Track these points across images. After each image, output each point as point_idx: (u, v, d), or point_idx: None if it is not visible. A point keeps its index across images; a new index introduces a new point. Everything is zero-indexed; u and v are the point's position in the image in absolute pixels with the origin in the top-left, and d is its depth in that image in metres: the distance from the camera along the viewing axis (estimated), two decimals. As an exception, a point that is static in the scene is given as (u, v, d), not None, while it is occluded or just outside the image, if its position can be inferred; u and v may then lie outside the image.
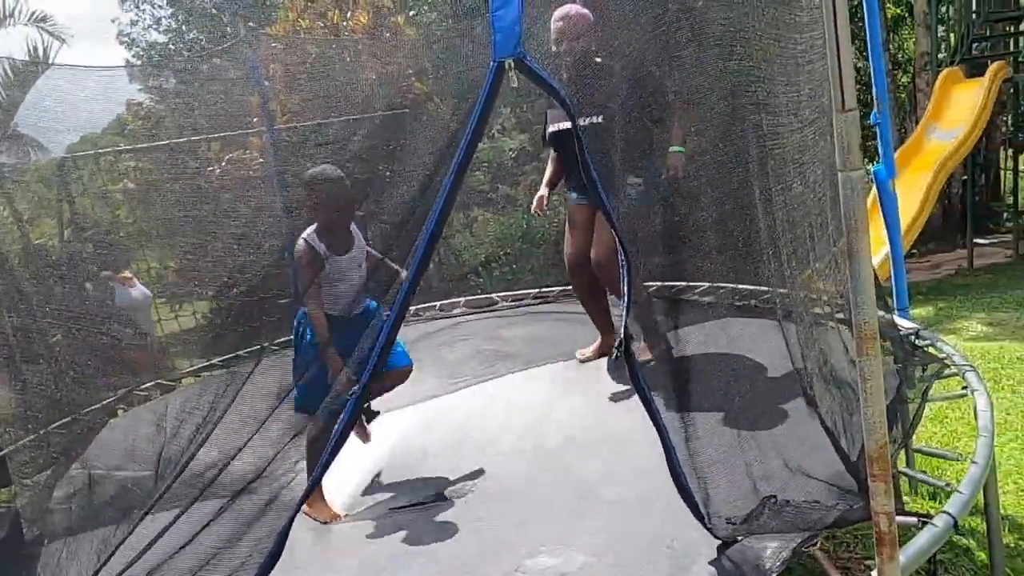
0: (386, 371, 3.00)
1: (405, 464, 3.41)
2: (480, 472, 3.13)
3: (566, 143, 3.63)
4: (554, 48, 3.29)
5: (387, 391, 3.24)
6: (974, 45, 10.90)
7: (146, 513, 1.95)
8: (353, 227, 3.18)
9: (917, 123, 10.20)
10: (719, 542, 2.05)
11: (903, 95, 13.96)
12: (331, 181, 3.03)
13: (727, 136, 2.28)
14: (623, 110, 2.49)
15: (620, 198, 2.14)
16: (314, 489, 1.65)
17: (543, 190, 3.99)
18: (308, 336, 3.04)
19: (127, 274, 5.94)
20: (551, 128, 3.80)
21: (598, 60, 3.19)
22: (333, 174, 3.06)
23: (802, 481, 2.01)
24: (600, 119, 2.86)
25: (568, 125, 3.50)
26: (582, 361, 4.00)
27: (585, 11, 3.44)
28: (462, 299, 5.55)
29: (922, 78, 11.51)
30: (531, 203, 4.06)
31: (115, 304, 5.47)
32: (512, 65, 1.76)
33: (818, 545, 1.84)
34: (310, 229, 3.16)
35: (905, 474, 2.32)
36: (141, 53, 17.78)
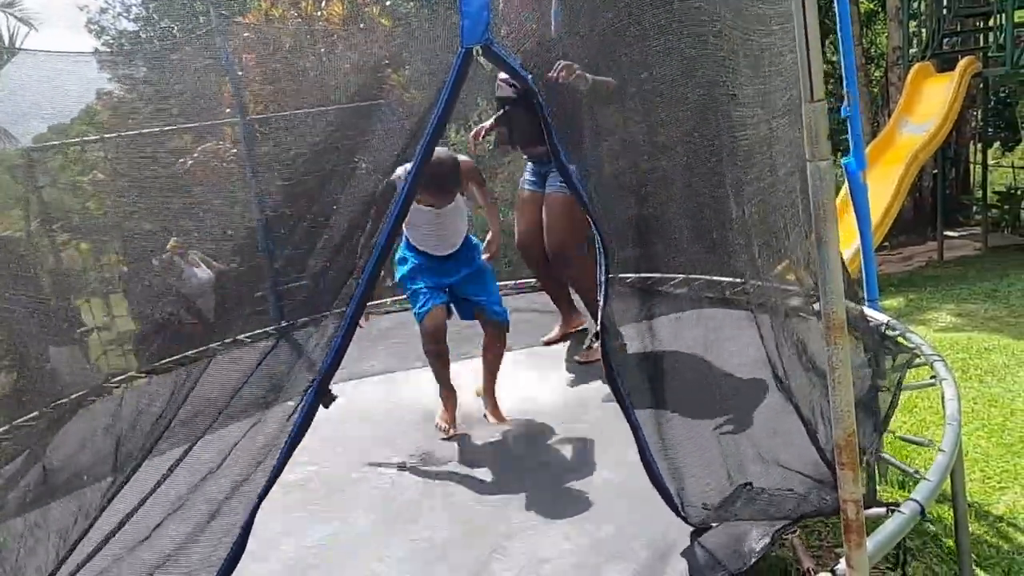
0: (485, 319, 3.40)
1: (383, 440, 3.39)
2: (457, 455, 3.14)
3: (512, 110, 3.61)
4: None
5: (498, 350, 3.45)
6: (945, 40, 11.06)
7: (104, 507, 1.92)
8: (459, 201, 3.42)
9: (889, 117, 10.34)
10: (695, 529, 2.06)
11: (876, 89, 14.13)
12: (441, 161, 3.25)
13: (699, 127, 2.29)
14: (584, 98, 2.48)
15: (588, 173, 2.14)
16: (276, 479, 1.63)
17: (487, 123, 3.93)
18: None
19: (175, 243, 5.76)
20: (499, 94, 3.77)
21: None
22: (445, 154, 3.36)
23: (777, 470, 2.02)
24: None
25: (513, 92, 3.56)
26: (546, 343, 4.00)
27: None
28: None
29: (894, 72, 11.66)
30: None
31: (185, 283, 5.35)
32: (479, 52, 1.75)
33: (796, 533, 1.86)
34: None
35: (883, 459, 2.35)
36: (111, 41, 17.45)
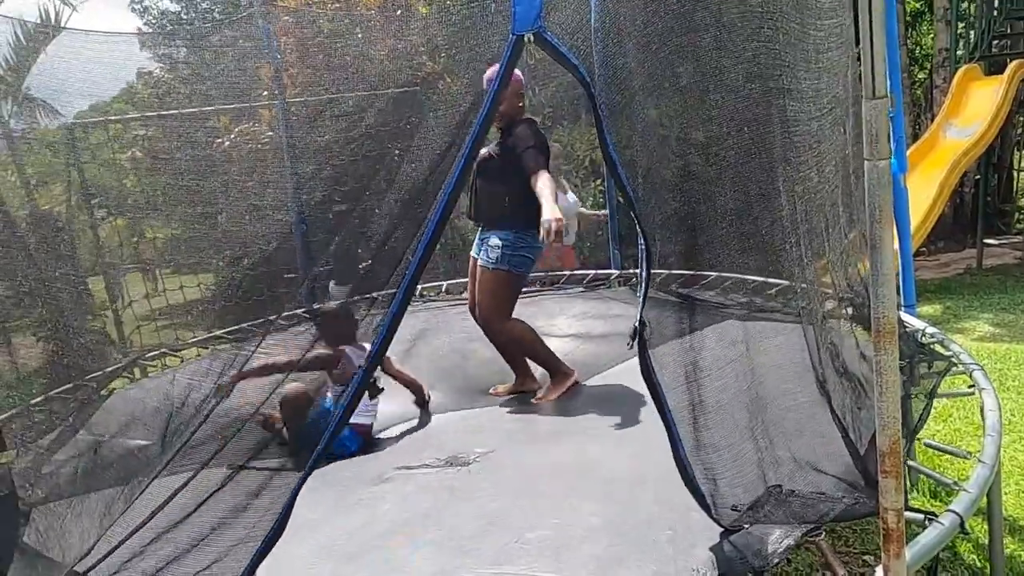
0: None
1: (410, 432, 3.46)
2: (483, 446, 3.15)
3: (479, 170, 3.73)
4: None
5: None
6: (994, 42, 10.76)
7: (150, 481, 1.96)
8: None
9: (932, 120, 10.10)
10: (721, 528, 2.04)
11: (919, 91, 13.82)
12: None
13: (752, 122, 2.24)
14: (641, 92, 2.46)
15: (638, 181, 2.12)
16: (318, 463, 1.64)
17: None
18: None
19: None
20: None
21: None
22: None
23: (809, 473, 2.00)
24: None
25: (486, 151, 3.69)
26: (492, 394, 3.92)
27: (518, 73, 3.66)
28: (468, 280, 5.53)
29: (939, 74, 11.38)
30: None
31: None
32: (531, 39, 1.73)
33: (822, 536, 1.83)
34: None
35: (914, 468, 2.31)
36: (153, 21, 17.68)
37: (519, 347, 3.79)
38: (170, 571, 1.85)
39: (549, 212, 3.27)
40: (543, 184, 3.46)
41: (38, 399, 3.28)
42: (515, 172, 3.59)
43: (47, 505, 2.25)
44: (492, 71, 3.56)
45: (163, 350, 4.47)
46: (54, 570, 1.99)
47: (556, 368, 3.76)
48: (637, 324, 1.96)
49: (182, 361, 4.36)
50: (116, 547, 1.83)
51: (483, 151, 3.75)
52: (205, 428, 2.13)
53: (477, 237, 3.95)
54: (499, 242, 3.65)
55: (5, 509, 2.22)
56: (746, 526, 1.96)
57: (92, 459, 2.45)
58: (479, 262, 3.79)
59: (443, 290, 5.47)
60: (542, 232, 3.26)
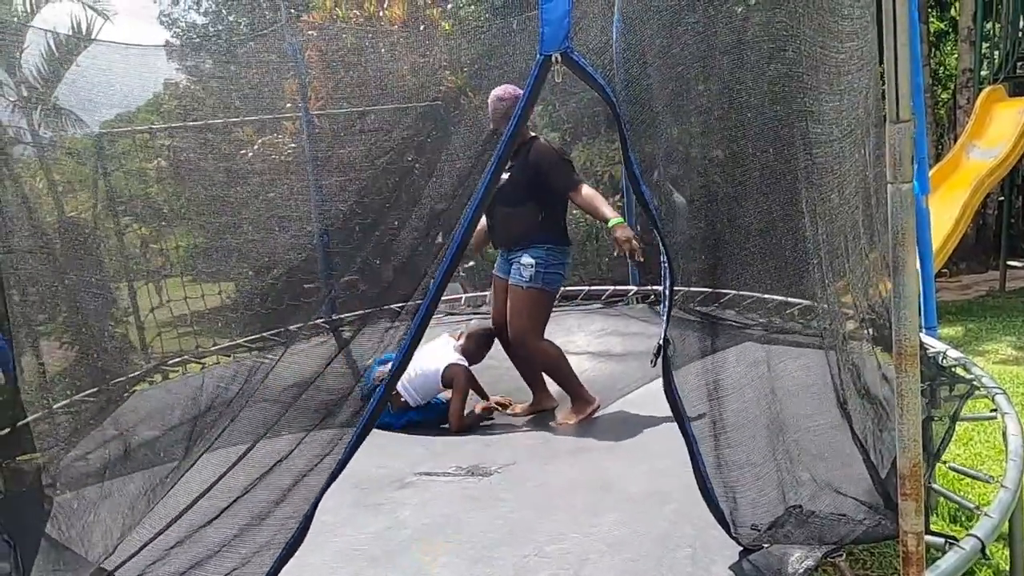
0: None
1: (431, 441, 3.51)
2: (505, 459, 3.17)
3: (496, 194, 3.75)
4: (492, 126, 3.61)
5: None
6: (1019, 64, 10.68)
7: (174, 484, 1.99)
8: None
9: (955, 140, 10.03)
10: (740, 547, 2.04)
11: (942, 111, 13.73)
12: None
13: (774, 143, 2.26)
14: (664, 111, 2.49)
15: (662, 199, 2.15)
16: (340, 472, 1.67)
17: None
18: None
19: None
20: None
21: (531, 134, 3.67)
22: None
23: (830, 494, 1.99)
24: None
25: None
26: (512, 414, 3.97)
27: (519, 92, 3.67)
28: (487, 294, 5.57)
29: (963, 95, 11.30)
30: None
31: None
32: (559, 59, 1.75)
33: (842, 557, 1.82)
34: None
35: (936, 491, 2.28)
36: (181, 33, 17.98)
37: (550, 368, 3.78)
38: (192, 575, 1.88)
39: (621, 232, 3.35)
40: (591, 195, 3.51)
41: (63, 403, 3.34)
42: (542, 189, 3.60)
43: (71, 502, 2.30)
44: (501, 89, 3.61)
45: (185, 357, 4.52)
46: (79, 566, 2.03)
47: (579, 394, 3.74)
48: (661, 342, 1.97)
49: (203, 368, 4.42)
50: (141, 548, 1.86)
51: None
52: (230, 432, 2.17)
53: (501, 257, 3.95)
54: (532, 261, 3.64)
55: (31, 505, 2.27)
56: (766, 545, 1.96)
57: (116, 459, 2.49)
58: (511, 282, 3.75)
59: (462, 302, 5.50)
60: (623, 248, 3.31)
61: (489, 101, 3.65)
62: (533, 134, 3.83)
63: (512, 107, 3.58)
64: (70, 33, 7.46)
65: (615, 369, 4.17)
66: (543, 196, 3.61)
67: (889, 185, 1.35)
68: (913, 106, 3.19)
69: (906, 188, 1.34)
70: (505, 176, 3.74)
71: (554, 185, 3.59)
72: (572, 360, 3.94)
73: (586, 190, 3.58)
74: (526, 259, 3.66)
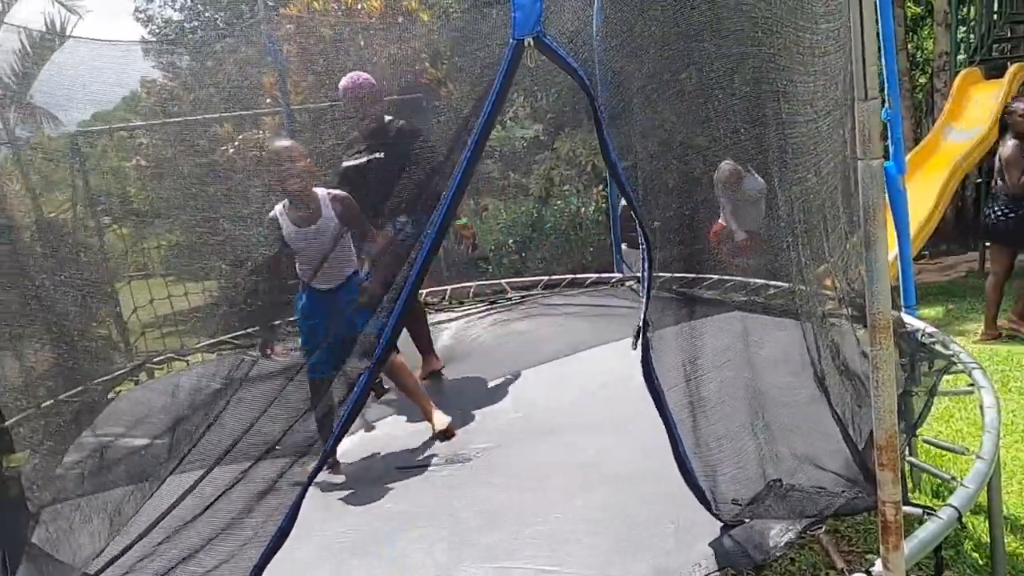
0: None
1: (414, 430, 3.48)
2: (484, 442, 3.18)
3: (357, 181, 3.74)
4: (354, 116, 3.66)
5: None
6: (994, 46, 10.78)
7: (160, 484, 1.99)
8: (323, 198, 3.22)
9: (934, 124, 10.12)
10: (722, 523, 2.06)
11: (920, 95, 13.84)
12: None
13: (747, 125, 2.27)
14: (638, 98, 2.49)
15: (636, 170, 2.16)
16: (325, 463, 1.67)
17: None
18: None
19: None
20: (346, 163, 3.88)
21: (387, 118, 3.70)
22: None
23: (809, 468, 2.02)
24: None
25: (358, 161, 3.70)
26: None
27: (368, 76, 3.77)
28: (472, 285, 5.57)
29: (940, 78, 11.40)
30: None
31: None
32: (531, 43, 1.75)
33: (823, 530, 1.85)
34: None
35: (913, 464, 2.32)
36: (156, 30, 17.76)
37: (416, 327, 3.99)
38: (179, 572, 1.88)
39: None
40: None
41: (46, 403, 3.31)
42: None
43: (56, 507, 2.29)
44: (352, 79, 3.54)
45: (169, 354, 4.50)
46: (64, 572, 2.02)
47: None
48: (640, 325, 1.98)
49: (188, 365, 4.40)
50: (127, 549, 1.86)
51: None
52: (214, 428, 2.17)
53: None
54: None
55: (14, 511, 2.25)
56: (747, 520, 1.98)
57: (100, 461, 2.48)
58: None
59: (446, 296, 5.50)
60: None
61: (341, 90, 3.67)
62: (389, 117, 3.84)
63: (368, 92, 3.67)
64: (44, 30, 7.35)
65: (595, 342, 4.20)
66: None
67: (859, 161, 1.37)
68: (889, 89, 3.23)
69: (876, 164, 1.36)
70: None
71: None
72: (554, 343, 4.00)
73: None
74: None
